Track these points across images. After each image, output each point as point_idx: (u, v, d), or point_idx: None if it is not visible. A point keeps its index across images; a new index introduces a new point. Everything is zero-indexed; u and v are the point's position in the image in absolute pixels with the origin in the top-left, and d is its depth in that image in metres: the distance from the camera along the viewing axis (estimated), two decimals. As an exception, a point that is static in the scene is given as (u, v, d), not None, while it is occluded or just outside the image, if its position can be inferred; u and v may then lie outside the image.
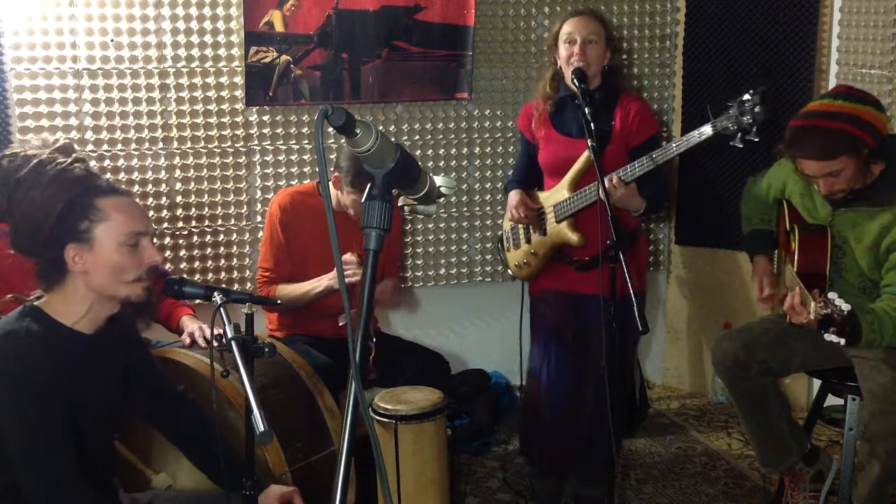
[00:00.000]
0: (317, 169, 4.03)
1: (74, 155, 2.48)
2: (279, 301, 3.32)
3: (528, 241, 3.46)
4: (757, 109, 2.96)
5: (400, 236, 4.01)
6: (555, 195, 3.35)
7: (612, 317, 2.90)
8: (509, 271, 3.64)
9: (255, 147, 4.01)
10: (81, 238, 2.12)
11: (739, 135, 3.01)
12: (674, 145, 3.12)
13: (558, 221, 3.33)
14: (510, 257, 3.58)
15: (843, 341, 2.56)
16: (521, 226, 3.49)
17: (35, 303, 2.18)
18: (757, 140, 2.99)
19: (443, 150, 4.28)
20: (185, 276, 3.45)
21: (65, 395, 2.11)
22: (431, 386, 3.11)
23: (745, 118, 2.98)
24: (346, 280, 3.25)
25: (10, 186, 2.35)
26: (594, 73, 3.26)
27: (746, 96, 2.98)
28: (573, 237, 3.29)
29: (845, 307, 2.52)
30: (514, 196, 3.43)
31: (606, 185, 3.01)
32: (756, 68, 4.15)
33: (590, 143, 2.99)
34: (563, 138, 3.36)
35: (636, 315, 2.74)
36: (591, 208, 3.21)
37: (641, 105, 3.37)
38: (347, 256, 3.32)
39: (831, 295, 2.56)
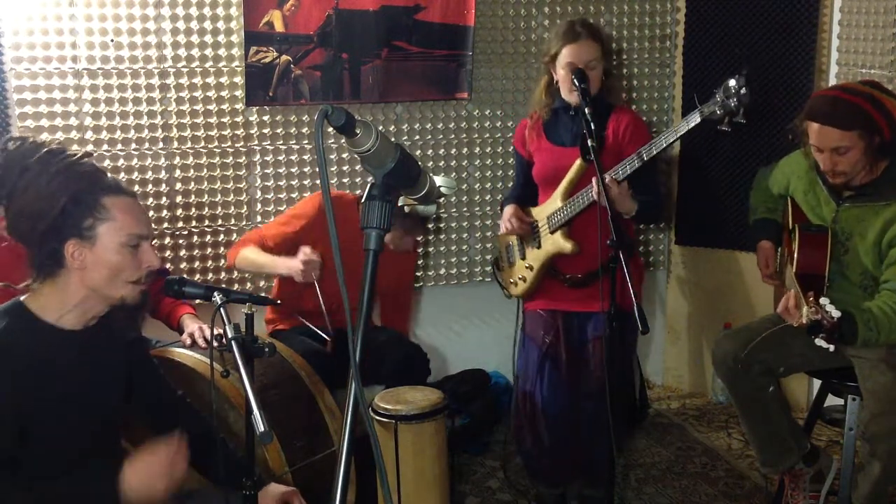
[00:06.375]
0: (317, 169, 4.03)
1: (84, 150, 2.45)
2: (238, 266, 3.46)
3: (523, 256, 3.46)
4: (743, 91, 2.98)
5: (413, 262, 3.99)
6: (548, 207, 3.36)
7: (614, 327, 2.90)
8: (505, 291, 3.59)
9: (255, 147, 4.01)
10: (84, 235, 2.10)
11: (727, 118, 3.02)
12: (662, 137, 3.11)
13: (552, 232, 3.33)
14: (506, 276, 3.56)
15: (831, 347, 2.58)
16: (515, 244, 3.49)
17: (21, 298, 2.14)
18: (744, 122, 3.00)
19: (443, 150, 4.28)
20: (185, 276, 3.45)
21: (40, 400, 2.06)
22: (411, 379, 3.16)
23: (731, 101, 2.99)
24: (305, 280, 3.25)
25: (15, 171, 2.32)
26: (594, 91, 3.22)
27: (732, 81, 3.00)
28: (567, 245, 3.28)
29: (836, 314, 2.53)
30: (507, 210, 3.46)
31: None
32: (743, 54, 4.16)
33: (590, 144, 2.99)
34: (555, 148, 3.37)
35: (636, 315, 2.74)
36: (584, 216, 3.22)
37: (634, 118, 3.39)
38: (310, 252, 3.29)
39: (823, 300, 2.57)
